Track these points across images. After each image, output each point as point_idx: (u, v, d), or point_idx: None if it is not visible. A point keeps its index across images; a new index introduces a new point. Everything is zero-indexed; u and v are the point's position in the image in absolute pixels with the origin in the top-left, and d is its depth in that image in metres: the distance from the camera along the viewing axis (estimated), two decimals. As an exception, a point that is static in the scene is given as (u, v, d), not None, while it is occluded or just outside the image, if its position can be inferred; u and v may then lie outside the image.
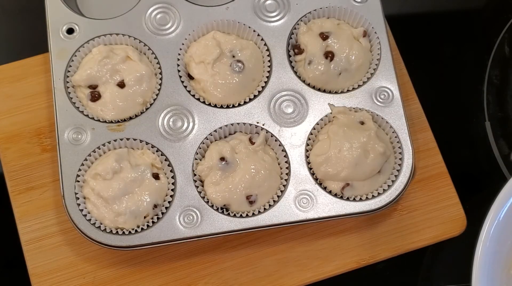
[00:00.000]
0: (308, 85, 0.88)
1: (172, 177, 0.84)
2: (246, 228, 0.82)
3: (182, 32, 0.89)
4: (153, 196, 0.82)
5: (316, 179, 0.84)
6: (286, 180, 0.84)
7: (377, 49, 0.89)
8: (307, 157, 0.85)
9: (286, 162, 0.85)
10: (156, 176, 0.83)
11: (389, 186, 0.84)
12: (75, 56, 0.87)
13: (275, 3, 0.90)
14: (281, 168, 0.85)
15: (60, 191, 0.82)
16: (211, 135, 0.85)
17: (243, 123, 0.86)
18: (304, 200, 0.83)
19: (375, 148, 0.83)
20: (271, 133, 0.86)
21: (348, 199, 0.83)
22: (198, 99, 0.87)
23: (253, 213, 0.82)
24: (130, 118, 0.86)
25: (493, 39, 1.02)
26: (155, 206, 0.82)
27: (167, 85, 0.87)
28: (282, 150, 0.85)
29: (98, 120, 0.85)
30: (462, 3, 1.08)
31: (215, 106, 0.87)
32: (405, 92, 0.91)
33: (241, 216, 0.83)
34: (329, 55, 0.87)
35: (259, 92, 0.87)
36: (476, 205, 0.93)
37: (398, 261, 0.88)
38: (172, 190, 0.83)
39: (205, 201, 0.82)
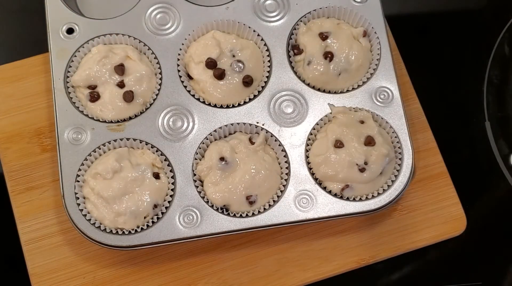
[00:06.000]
0: (308, 85, 0.88)
1: (172, 177, 0.84)
2: (246, 228, 0.82)
3: (182, 32, 0.89)
4: (154, 196, 0.82)
5: (316, 179, 0.84)
6: (286, 180, 0.84)
7: (377, 49, 0.88)
8: (307, 157, 0.85)
9: (286, 162, 0.85)
10: (156, 176, 0.83)
11: (389, 186, 0.84)
12: (75, 56, 0.87)
13: (275, 3, 0.90)
14: (281, 168, 0.85)
15: (60, 191, 0.82)
16: (211, 135, 0.85)
17: (243, 123, 0.86)
18: (304, 200, 0.83)
19: (378, 149, 0.83)
20: (271, 133, 0.86)
21: (348, 199, 0.83)
22: (198, 99, 0.87)
23: (253, 213, 0.82)
24: (130, 118, 0.86)
25: (493, 39, 1.02)
26: (155, 206, 0.82)
27: (167, 85, 0.87)
28: (282, 150, 0.85)
29: (98, 120, 0.85)
30: (462, 3, 1.07)
31: (215, 106, 0.87)
32: (405, 92, 0.91)
33: (241, 216, 0.82)
34: (329, 56, 0.87)
35: (259, 92, 0.87)
36: (476, 205, 0.93)
37: (398, 261, 0.88)
38: (172, 190, 0.83)
39: (205, 201, 0.82)
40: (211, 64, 0.86)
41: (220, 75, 0.85)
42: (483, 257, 0.93)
